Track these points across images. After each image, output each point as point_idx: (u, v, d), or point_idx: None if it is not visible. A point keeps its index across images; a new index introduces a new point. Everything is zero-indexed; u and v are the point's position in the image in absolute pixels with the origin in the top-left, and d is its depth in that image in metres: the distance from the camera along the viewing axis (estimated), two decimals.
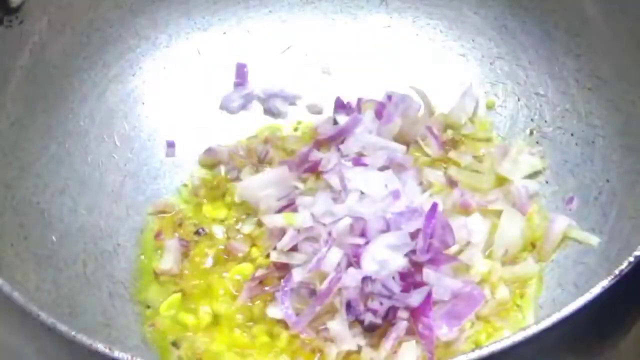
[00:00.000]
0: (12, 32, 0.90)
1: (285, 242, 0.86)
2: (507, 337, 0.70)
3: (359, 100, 0.96)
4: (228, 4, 1.00)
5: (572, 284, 0.84)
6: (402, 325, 0.82)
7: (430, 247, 0.85)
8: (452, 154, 0.94)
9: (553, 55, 0.95)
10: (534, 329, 0.70)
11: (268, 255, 0.87)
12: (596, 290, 0.72)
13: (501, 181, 0.92)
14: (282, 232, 0.87)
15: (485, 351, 0.69)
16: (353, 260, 0.84)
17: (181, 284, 0.88)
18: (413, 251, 0.85)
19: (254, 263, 0.89)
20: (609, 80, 0.91)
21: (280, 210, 0.89)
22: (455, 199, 0.90)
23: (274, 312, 0.85)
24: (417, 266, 0.84)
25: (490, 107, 0.97)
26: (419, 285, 0.83)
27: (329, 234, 0.85)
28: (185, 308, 0.87)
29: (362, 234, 0.85)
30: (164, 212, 0.93)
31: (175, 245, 0.90)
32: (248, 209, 0.92)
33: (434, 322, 0.81)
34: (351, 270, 0.83)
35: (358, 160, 0.91)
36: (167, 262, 0.90)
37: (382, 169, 0.90)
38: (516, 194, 0.90)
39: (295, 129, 0.99)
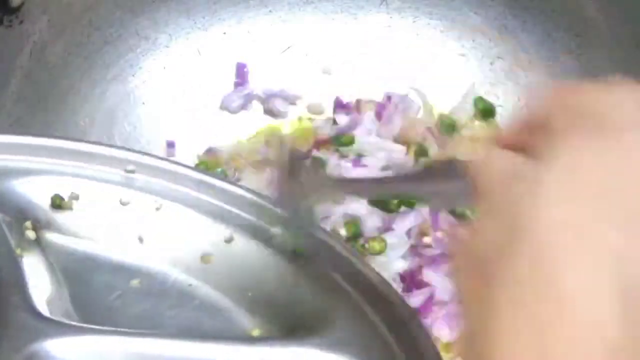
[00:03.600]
0: (12, 32, 0.90)
1: None
2: None
3: (358, 101, 0.96)
4: (228, 4, 1.00)
5: None
6: None
7: None
8: (452, 154, 0.94)
9: (553, 55, 0.95)
10: None
11: None
12: None
13: None
14: None
15: None
16: None
17: None
18: None
19: None
20: (608, 80, 0.91)
21: None
22: None
23: None
24: (417, 267, 0.84)
25: (490, 107, 0.97)
26: (419, 285, 0.83)
27: None
28: None
29: (362, 234, 0.85)
30: None
31: None
32: None
33: (434, 323, 0.82)
34: None
35: (357, 162, 0.91)
36: None
37: (382, 169, 0.90)
38: None
39: (295, 129, 0.99)
